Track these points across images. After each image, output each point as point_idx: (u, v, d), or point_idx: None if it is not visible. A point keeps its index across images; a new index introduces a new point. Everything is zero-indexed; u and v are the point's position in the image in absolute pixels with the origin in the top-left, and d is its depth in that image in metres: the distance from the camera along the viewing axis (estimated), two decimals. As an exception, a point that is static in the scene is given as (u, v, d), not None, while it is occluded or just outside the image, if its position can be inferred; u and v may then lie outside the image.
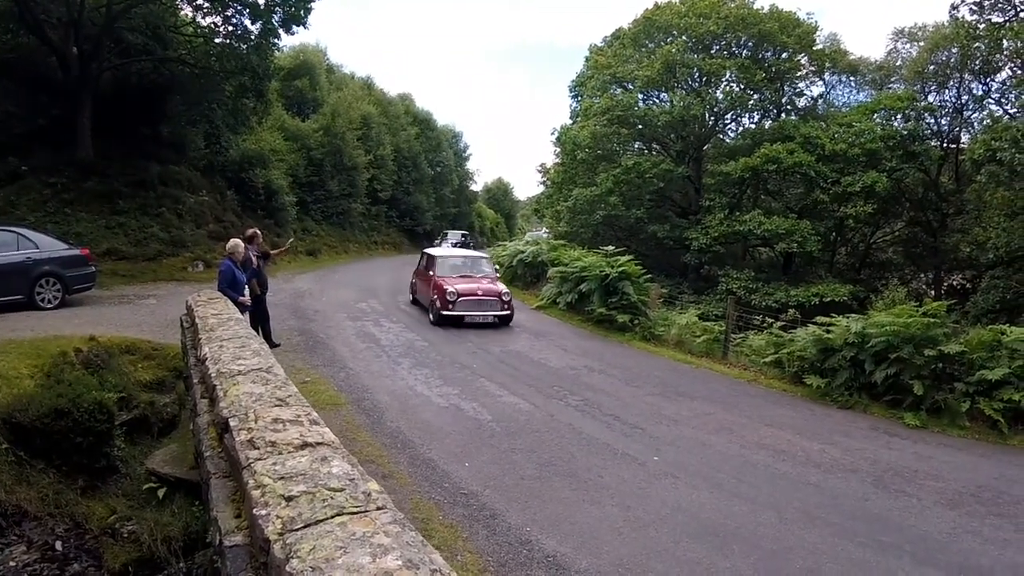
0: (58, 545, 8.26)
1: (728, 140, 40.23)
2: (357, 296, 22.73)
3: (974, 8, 24.69)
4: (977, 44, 28.53)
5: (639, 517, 7.36)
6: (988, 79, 34.15)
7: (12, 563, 7.81)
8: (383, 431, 9.56)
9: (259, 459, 3.44)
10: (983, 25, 25.14)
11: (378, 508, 2.85)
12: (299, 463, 3.37)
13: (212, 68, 26.53)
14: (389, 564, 2.35)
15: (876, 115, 34.41)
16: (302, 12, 25.86)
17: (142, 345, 13.07)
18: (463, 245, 49.64)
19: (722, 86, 37.44)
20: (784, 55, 36.71)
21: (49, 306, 15.80)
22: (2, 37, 22.80)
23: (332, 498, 2.92)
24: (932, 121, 36.09)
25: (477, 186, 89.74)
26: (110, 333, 13.31)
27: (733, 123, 40.66)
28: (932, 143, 35.80)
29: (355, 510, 2.81)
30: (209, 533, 4.39)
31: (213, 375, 5.47)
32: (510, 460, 8.78)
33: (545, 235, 42.24)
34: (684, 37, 37.39)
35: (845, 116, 35.78)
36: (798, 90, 39.55)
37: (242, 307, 11.63)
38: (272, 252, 17.24)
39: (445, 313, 17.87)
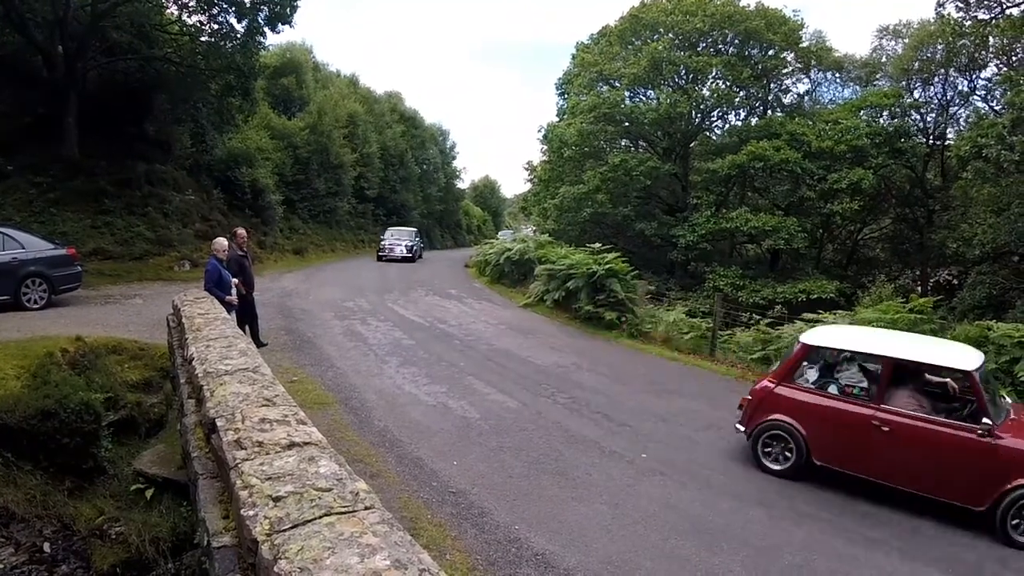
0: (46, 547, 8.24)
1: (715, 137, 40.29)
2: (344, 295, 22.67)
3: (960, 5, 24.74)
4: (963, 41, 28.70)
5: (627, 514, 7.38)
6: (974, 76, 34.37)
7: (0, 565, 7.78)
8: (371, 430, 9.55)
9: (246, 459, 3.44)
10: (969, 22, 25.21)
11: (366, 508, 2.85)
12: (286, 463, 3.37)
13: (198, 67, 26.39)
14: (377, 564, 2.35)
15: (862, 112, 34.53)
16: (288, 10, 25.78)
17: (129, 345, 13.01)
18: (413, 251, 40.67)
19: (708, 83, 37.50)
20: (770, 52, 36.77)
21: (35, 306, 15.70)
22: (-13, 36, 22.68)
23: (320, 498, 2.92)
24: (918, 118, 36.24)
25: (464, 184, 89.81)
26: (97, 333, 13.25)
27: (720, 120, 40.75)
28: (918, 140, 35.91)
29: (343, 510, 2.81)
30: (197, 534, 4.38)
31: (200, 375, 5.46)
32: (498, 458, 8.79)
33: (529, 232, 42.06)
34: (670, 35, 37.44)
35: (831, 113, 35.87)
36: (784, 87, 39.74)
37: (229, 306, 11.61)
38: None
39: None
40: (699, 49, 37.32)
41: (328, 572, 2.31)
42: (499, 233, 48.78)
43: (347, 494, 2.98)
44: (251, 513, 2.83)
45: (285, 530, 2.64)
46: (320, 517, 2.74)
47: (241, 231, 14.56)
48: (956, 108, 36.24)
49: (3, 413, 9.11)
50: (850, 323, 13.23)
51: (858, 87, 41.21)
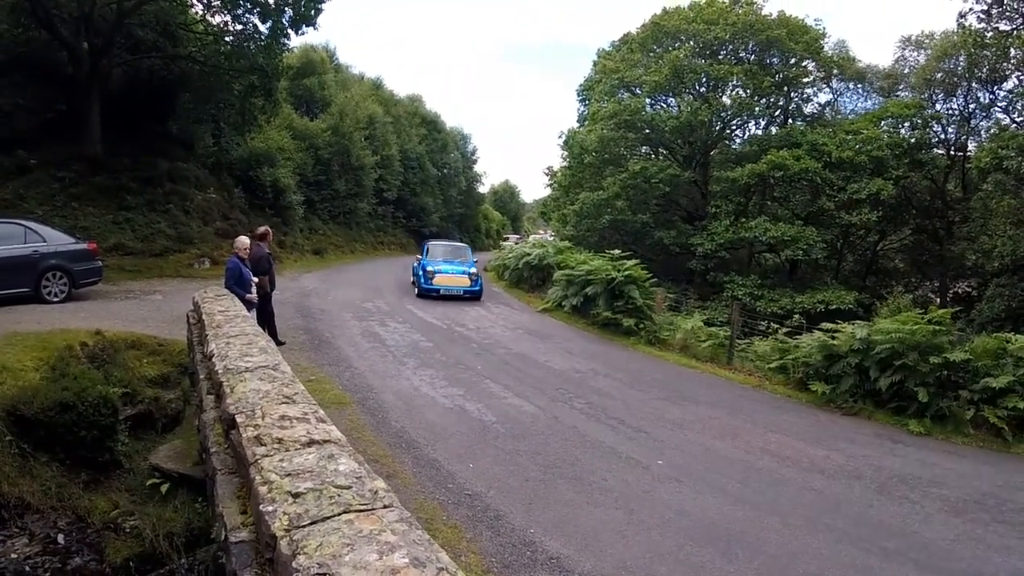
0: (60, 538, 8.29)
1: (735, 146, 40.24)
2: (363, 296, 22.73)
3: (982, 16, 24.67)
4: (984, 52, 28.53)
5: (643, 520, 7.35)
6: (995, 87, 34.10)
7: (14, 555, 7.84)
8: (388, 431, 9.56)
9: (266, 456, 3.44)
10: (990, 33, 25.11)
11: (385, 506, 2.85)
12: (306, 460, 3.37)
13: (221, 67, 26.55)
14: (396, 562, 2.34)
15: (883, 123, 34.40)
16: (312, 12, 25.85)
17: (148, 340, 13.08)
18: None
19: (729, 92, 37.44)
20: (791, 61, 36.69)
21: (55, 300, 15.81)
22: (13, 31, 22.82)
23: (339, 495, 2.92)
24: (939, 129, 36.03)
25: (484, 188, 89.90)
26: (116, 328, 13.33)
27: (740, 129, 40.68)
28: (939, 151, 35.75)
29: (362, 508, 2.81)
30: (214, 529, 4.40)
31: (220, 371, 5.47)
32: (514, 462, 8.77)
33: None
34: (692, 43, 37.41)
35: (852, 123, 35.73)
36: (805, 96, 39.54)
37: (249, 304, 11.65)
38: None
39: None
40: (720, 57, 37.28)
41: (347, 569, 2.30)
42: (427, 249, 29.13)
43: (366, 492, 2.98)
44: (270, 509, 2.84)
45: (304, 526, 2.64)
46: (339, 514, 2.74)
47: (270, 231, 14.67)
48: (977, 120, 35.98)
49: (21, 405, 9.17)
50: (868, 334, 13.16)
51: (880, 98, 41.01)
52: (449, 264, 24.68)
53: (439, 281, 23.53)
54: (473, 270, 24.57)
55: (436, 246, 27.20)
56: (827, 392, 13.31)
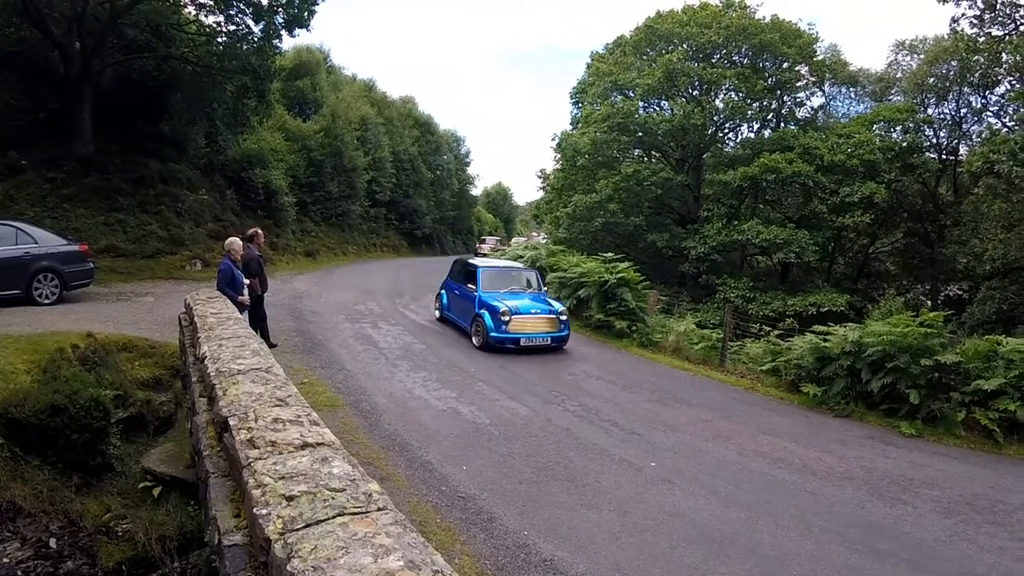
0: (52, 542, 8.24)
1: (728, 149, 40.26)
2: (355, 298, 22.68)
3: (974, 21, 24.70)
4: (977, 57, 28.58)
5: (636, 522, 7.35)
6: (987, 92, 34.27)
7: (5, 560, 7.79)
8: (381, 433, 9.54)
9: (259, 458, 3.43)
10: (983, 38, 25.14)
11: (379, 509, 2.84)
12: (300, 463, 3.36)
13: (214, 67, 26.44)
14: (391, 565, 2.34)
15: (875, 126, 34.47)
16: (305, 14, 25.78)
17: (139, 343, 13.04)
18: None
19: (722, 95, 37.45)
20: (784, 65, 36.72)
21: (46, 302, 15.75)
22: (5, 30, 22.76)
23: (333, 498, 2.91)
24: (931, 133, 36.17)
25: (477, 190, 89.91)
26: (107, 330, 13.28)
27: (732, 132, 40.74)
28: (931, 155, 35.86)
29: (356, 511, 2.80)
30: (207, 532, 4.38)
31: (212, 374, 5.45)
32: (508, 464, 8.77)
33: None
34: (685, 46, 37.49)
35: (844, 127, 35.80)
36: (798, 100, 39.58)
37: (241, 306, 11.61)
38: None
39: None
40: (713, 61, 37.35)
41: (342, 572, 2.30)
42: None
43: (360, 495, 2.98)
44: (264, 512, 2.83)
45: (298, 529, 2.63)
46: (333, 517, 2.73)
47: (260, 232, 14.63)
48: (969, 124, 36.21)
49: (12, 407, 9.12)
50: (860, 336, 13.17)
51: (873, 102, 41.13)
52: (521, 298, 17.01)
53: (518, 327, 15.97)
54: (561, 308, 17.19)
55: (488, 270, 18.26)
56: (819, 394, 13.33)
